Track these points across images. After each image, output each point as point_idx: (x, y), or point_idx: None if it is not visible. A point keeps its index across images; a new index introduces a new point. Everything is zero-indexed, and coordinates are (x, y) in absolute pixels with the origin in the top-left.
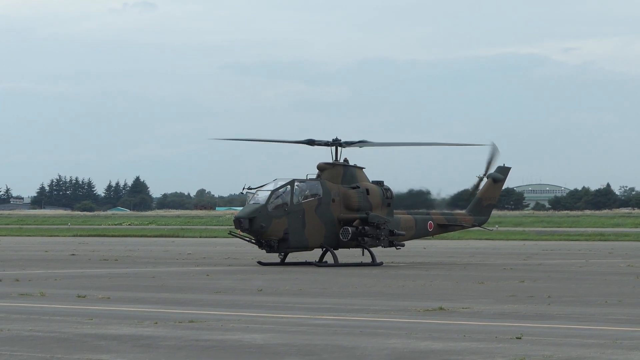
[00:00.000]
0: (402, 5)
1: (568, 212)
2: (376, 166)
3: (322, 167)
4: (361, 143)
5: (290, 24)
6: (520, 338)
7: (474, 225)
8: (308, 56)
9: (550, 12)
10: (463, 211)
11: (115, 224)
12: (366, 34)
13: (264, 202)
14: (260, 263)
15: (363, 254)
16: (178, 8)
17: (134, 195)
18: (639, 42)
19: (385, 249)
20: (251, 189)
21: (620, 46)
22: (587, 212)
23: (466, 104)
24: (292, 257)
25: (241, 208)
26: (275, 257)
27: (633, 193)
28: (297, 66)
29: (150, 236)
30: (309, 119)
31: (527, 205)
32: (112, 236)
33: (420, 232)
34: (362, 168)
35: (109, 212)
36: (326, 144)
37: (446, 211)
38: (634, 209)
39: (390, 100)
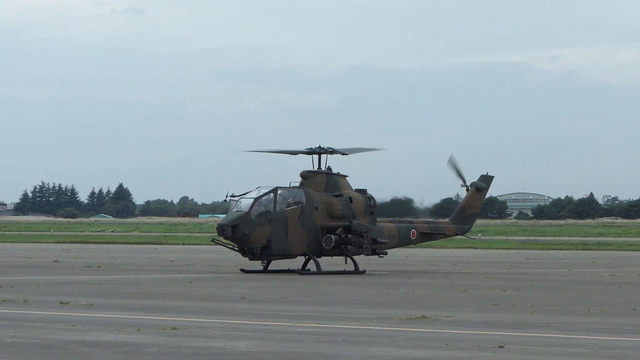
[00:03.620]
0: (387, 12)
1: (551, 221)
2: (359, 174)
3: (305, 175)
4: (347, 150)
5: (276, 31)
6: (502, 347)
7: (457, 234)
8: (293, 63)
9: (536, 21)
10: (446, 220)
11: (98, 231)
12: (351, 41)
13: (247, 210)
14: (243, 270)
15: (346, 262)
16: (164, 14)
17: (117, 202)
18: (624, 51)
19: (368, 257)
20: (234, 196)
21: (605, 55)
22: (570, 221)
23: (451, 112)
24: (274, 264)
25: (224, 215)
26: (258, 265)
27: (616, 202)
28: (282, 73)
29: (133, 243)
30: (294, 126)
31: (511, 214)
32: (95, 243)
33: (403, 241)
34: (345, 176)
35: (92, 219)
36: (310, 152)
37: (429, 220)
38: (617, 219)
39: (375, 108)
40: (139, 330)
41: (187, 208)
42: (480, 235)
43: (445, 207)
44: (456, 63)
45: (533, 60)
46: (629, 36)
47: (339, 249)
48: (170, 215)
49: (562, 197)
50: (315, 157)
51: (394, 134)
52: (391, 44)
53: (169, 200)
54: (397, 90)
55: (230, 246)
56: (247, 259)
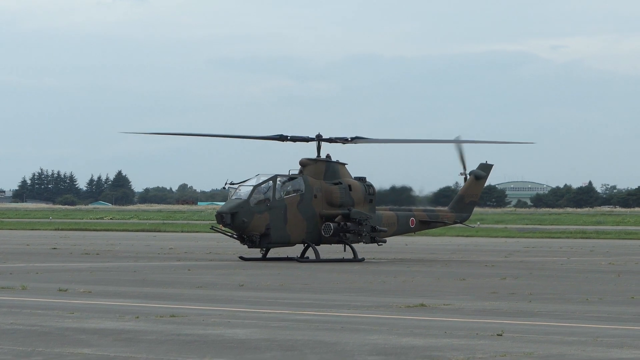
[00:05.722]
0: (390, 1)
1: (550, 209)
2: (359, 162)
3: (304, 163)
4: (356, 140)
5: (278, 19)
6: (501, 335)
7: (456, 222)
8: (295, 52)
9: (538, 10)
10: (445, 208)
11: (97, 218)
12: (353, 29)
13: (246, 198)
14: (241, 258)
15: (345, 250)
16: (167, 2)
17: (116, 189)
18: (626, 41)
19: (367, 245)
20: (233, 184)
21: (607, 45)
22: (569, 209)
23: (453, 101)
24: (273, 252)
25: (223, 203)
26: (257, 253)
27: (615, 191)
28: (284, 62)
29: (131, 230)
30: (296, 114)
31: (509, 203)
32: (94, 230)
33: (402, 229)
34: (344, 164)
35: (91, 206)
36: (307, 139)
37: (428, 208)
38: (615, 207)
39: (378, 97)
40: (137, 317)
41: (186, 195)
42: (479, 223)
43: (444, 195)
44: (458, 52)
45: (535, 49)
46: (631, 26)
47: (338, 237)
48: (169, 203)
49: (561, 186)
50: (314, 144)
51: (396, 123)
52: (393, 33)
53: (168, 188)
54: (399, 79)
55: (229, 234)
56: (246, 246)
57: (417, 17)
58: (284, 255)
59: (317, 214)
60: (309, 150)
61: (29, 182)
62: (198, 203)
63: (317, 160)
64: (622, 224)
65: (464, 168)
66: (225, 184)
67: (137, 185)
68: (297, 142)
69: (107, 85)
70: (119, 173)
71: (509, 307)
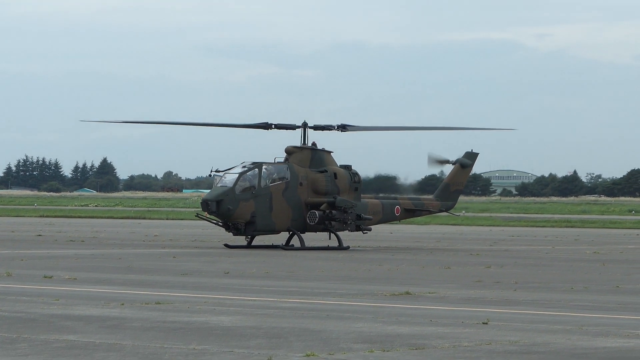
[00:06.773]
0: None
1: (535, 198)
2: (344, 150)
3: (290, 151)
4: (343, 128)
5: (263, 5)
6: (486, 323)
7: (441, 211)
8: (281, 39)
9: None
10: (430, 196)
11: (82, 205)
12: (339, 16)
13: (231, 185)
14: (227, 246)
15: (330, 238)
16: None
17: (101, 176)
18: (611, 30)
19: (352, 233)
20: (219, 171)
21: (593, 33)
22: (554, 198)
23: (437, 88)
24: (258, 240)
25: (208, 190)
26: (242, 240)
27: (599, 180)
28: (269, 48)
29: (116, 218)
30: (281, 101)
31: (494, 191)
32: (79, 217)
33: (388, 217)
34: (330, 152)
35: (76, 193)
36: (293, 127)
37: (413, 196)
38: (600, 196)
39: (363, 84)
40: (122, 304)
41: (171, 183)
42: (464, 212)
43: (429, 183)
44: (443, 40)
45: (521, 37)
46: (616, 15)
47: (323, 225)
48: (154, 190)
49: (546, 175)
50: (300, 132)
51: (381, 111)
52: (378, 20)
53: (153, 175)
54: (384, 66)
55: (215, 221)
56: (231, 234)
57: (403, 5)
58: (269, 243)
59: (303, 201)
60: (294, 138)
61: (13, 168)
62: (183, 190)
63: (303, 148)
64: (607, 213)
65: (447, 161)
66: (211, 171)
67: (122, 173)
68: (283, 130)
69: (91, 71)
70: (104, 160)
71: (494, 296)
